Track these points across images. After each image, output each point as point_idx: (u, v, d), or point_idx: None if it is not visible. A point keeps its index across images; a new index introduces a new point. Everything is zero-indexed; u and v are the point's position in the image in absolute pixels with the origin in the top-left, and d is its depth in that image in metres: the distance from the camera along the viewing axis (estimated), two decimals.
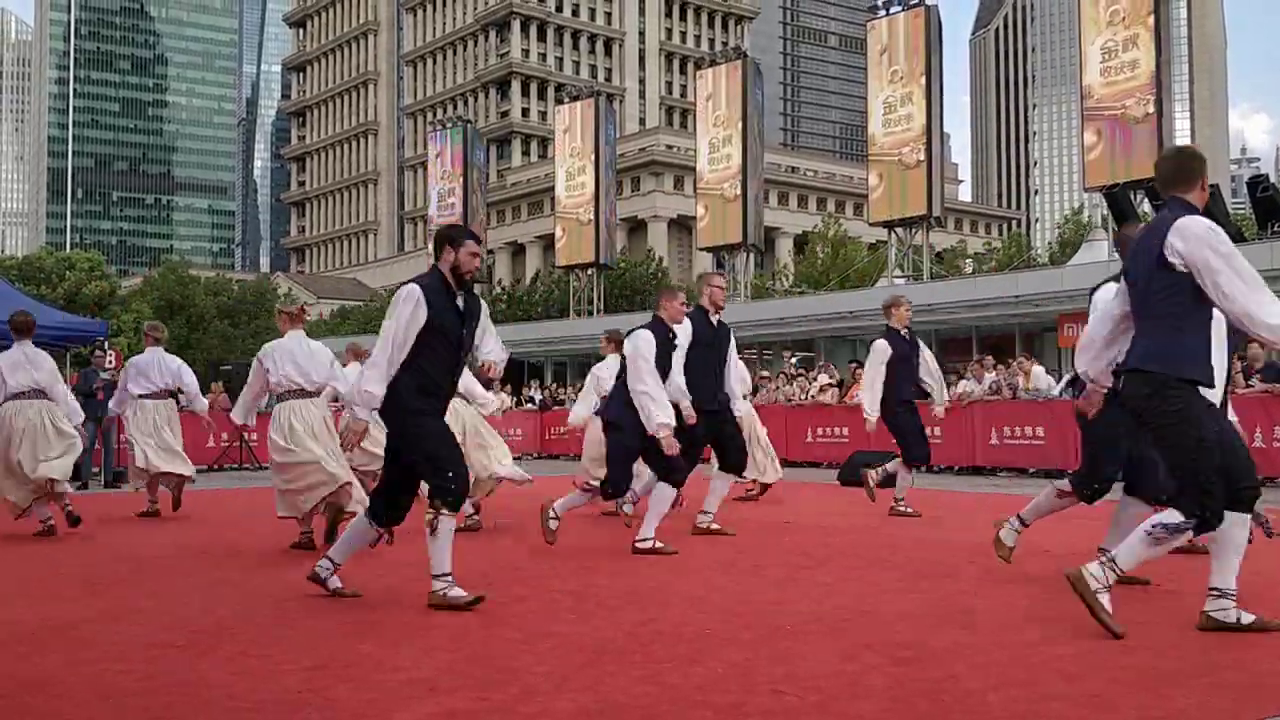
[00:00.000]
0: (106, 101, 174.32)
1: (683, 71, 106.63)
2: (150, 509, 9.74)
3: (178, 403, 10.14)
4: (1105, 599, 4.15)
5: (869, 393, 8.82)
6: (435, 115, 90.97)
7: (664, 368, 6.91)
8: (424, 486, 4.98)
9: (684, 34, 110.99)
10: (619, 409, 6.86)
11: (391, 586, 5.60)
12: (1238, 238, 25.07)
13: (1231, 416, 5.30)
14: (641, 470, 7.50)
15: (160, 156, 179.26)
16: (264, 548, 7.31)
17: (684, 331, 7.25)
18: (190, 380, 9.92)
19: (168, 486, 9.83)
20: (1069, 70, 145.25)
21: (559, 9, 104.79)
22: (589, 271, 41.85)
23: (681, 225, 74.62)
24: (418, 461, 4.94)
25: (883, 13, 34.03)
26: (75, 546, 7.52)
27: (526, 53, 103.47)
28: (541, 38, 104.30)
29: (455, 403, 7.12)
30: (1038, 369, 16.14)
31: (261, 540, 7.71)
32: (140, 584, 5.80)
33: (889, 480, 9.30)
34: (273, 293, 70.56)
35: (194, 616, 4.80)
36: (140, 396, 9.65)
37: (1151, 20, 27.36)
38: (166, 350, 9.98)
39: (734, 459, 7.75)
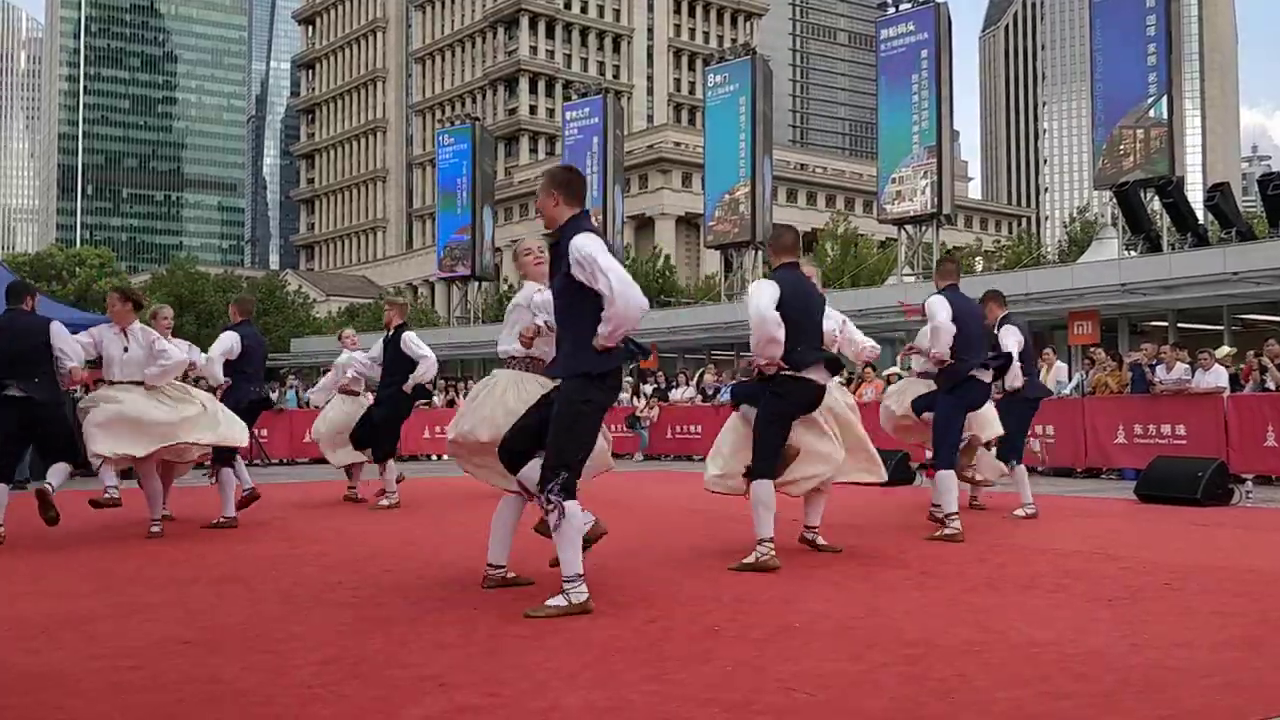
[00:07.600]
0: (116, 99, 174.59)
1: (691, 68, 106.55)
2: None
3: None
4: None
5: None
6: (444, 113, 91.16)
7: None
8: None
9: (693, 31, 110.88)
10: None
11: (401, 583, 5.61)
12: (1248, 235, 24.94)
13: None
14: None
15: (170, 153, 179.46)
16: (273, 543, 7.33)
17: None
18: None
19: None
20: (1079, 68, 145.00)
21: (567, 6, 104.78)
22: None
23: (689, 222, 74.58)
24: None
25: (892, 10, 33.96)
26: (87, 542, 7.54)
27: (535, 50, 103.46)
28: (550, 35, 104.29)
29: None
30: (1059, 364, 15.98)
31: (271, 535, 7.76)
32: (151, 580, 5.81)
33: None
34: (282, 290, 70.74)
35: (204, 612, 4.82)
36: None
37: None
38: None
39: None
